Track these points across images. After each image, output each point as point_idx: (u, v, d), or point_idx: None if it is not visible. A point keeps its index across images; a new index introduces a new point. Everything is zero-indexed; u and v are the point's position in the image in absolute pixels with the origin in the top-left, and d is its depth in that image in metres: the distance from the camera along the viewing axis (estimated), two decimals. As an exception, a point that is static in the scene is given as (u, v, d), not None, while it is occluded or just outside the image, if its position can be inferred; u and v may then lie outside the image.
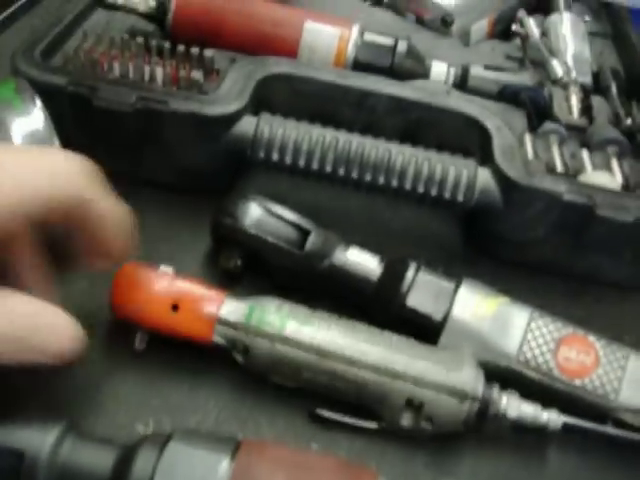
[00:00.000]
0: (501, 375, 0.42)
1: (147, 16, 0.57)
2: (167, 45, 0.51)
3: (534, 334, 0.42)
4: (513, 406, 0.40)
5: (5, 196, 0.30)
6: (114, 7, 0.57)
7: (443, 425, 0.39)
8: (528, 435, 0.41)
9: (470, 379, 0.39)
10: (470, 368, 0.40)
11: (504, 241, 0.50)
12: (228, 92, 0.48)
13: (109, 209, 0.33)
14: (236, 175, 0.50)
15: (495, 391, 0.40)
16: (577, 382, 0.42)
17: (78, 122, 0.46)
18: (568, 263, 0.50)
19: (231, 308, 0.40)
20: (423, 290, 0.43)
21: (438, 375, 0.39)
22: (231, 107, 0.47)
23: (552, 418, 0.40)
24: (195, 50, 0.51)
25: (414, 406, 0.39)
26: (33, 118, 0.43)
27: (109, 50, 0.51)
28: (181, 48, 0.51)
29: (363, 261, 0.44)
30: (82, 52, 0.51)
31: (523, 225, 0.49)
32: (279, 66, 0.51)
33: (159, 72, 0.49)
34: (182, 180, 0.50)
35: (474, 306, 0.43)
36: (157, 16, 0.56)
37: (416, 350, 0.40)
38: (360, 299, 0.44)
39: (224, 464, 0.32)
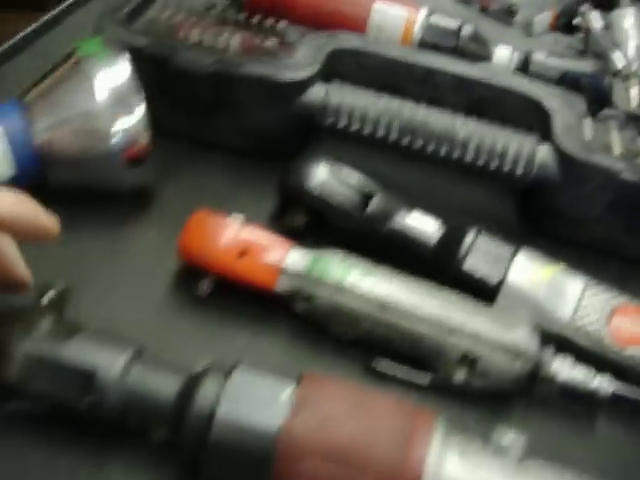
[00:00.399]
0: (553, 341, 0.42)
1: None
2: (242, 16, 0.53)
3: (588, 302, 0.43)
4: (564, 369, 0.41)
5: None
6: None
7: (495, 382, 0.40)
8: (577, 403, 0.41)
9: (524, 338, 0.40)
10: (525, 328, 0.41)
11: (559, 218, 0.51)
12: (300, 60, 0.50)
13: None
14: (304, 141, 0.52)
15: (548, 353, 0.41)
16: (629, 351, 0.42)
17: (156, 84, 0.49)
18: (622, 243, 0.50)
19: (295, 258, 0.42)
20: (481, 254, 0.44)
21: (494, 332, 0.40)
22: (303, 73, 0.49)
23: (602, 385, 0.41)
24: (269, 22, 0.53)
25: (468, 361, 0.40)
26: (119, 72, 0.46)
27: (187, 19, 0.53)
28: (255, 20, 0.53)
29: (423, 225, 0.46)
30: (162, 19, 0.53)
31: (578, 202, 0.50)
32: (349, 41, 0.53)
33: (234, 40, 0.51)
34: (251, 144, 0.52)
35: (531, 272, 0.44)
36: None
37: (473, 307, 0.42)
38: (418, 262, 0.45)
39: (287, 391, 0.33)
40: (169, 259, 0.45)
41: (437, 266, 0.45)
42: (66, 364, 0.35)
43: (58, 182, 0.47)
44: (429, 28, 0.57)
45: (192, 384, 0.34)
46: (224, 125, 0.51)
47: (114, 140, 0.46)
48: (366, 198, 0.46)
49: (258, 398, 0.33)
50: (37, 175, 0.47)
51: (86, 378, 0.35)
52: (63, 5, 0.67)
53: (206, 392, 0.34)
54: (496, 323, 0.41)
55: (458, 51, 0.57)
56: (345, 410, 0.33)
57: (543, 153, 0.49)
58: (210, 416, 0.33)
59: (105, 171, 0.47)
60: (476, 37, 0.57)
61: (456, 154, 0.48)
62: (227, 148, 0.52)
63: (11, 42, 0.62)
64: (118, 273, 0.46)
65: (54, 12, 0.66)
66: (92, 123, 0.46)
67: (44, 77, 0.48)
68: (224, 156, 0.51)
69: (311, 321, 0.42)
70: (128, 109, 0.46)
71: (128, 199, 0.50)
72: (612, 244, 0.50)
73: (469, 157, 0.48)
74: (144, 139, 0.46)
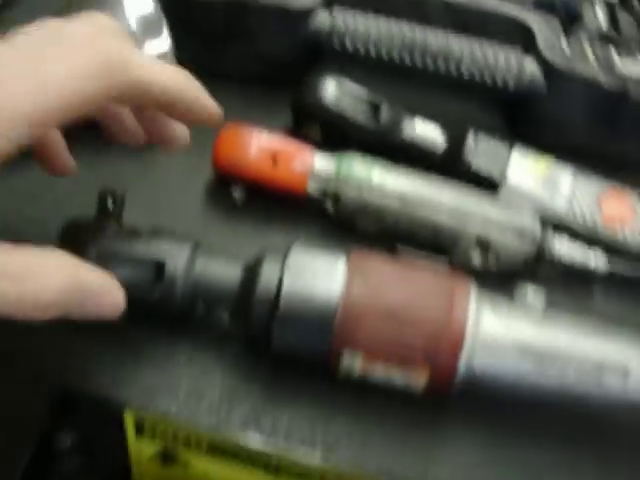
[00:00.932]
0: (552, 227, 0.48)
1: None
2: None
3: (579, 188, 0.48)
4: (565, 250, 0.46)
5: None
6: None
7: (506, 263, 0.45)
8: (576, 279, 0.47)
9: (530, 221, 0.45)
10: (529, 213, 0.46)
11: (543, 125, 0.56)
12: None
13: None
14: (312, 66, 0.55)
15: (549, 236, 0.46)
16: (619, 231, 0.48)
17: (171, 13, 0.52)
18: (602, 147, 0.56)
19: (322, 161, 0.46)
20: (482, 154, 0.49)
21: (503, 216, 0.45)
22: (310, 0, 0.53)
23: (599, 263, 0.46)
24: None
25: (483, 245, 0.45)
26: (145, 2, 0.49)
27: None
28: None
29: (429, 132, 0.51)
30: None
31: (561, 110, 0.55)
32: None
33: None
34: (263, 71, 0.56)
35: (526, 165, 0.49)
36: None
37: (483, 198, 0.46)
38: (427, 166, 0.50)
39: (342, 262, 0.38)
40: (200, 174, 0.49)
41: (445, 168, 0.49)
42: (138, 258, 0.39)
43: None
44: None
45: (253, 266, 0.39)
46: (236, 53, 0.55)
47: None
48: (375, 108, 0.50)
49: (317, 270, 0.38)
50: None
51: (157, 269, 0.39)
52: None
53: (270, 269, 0.38)
54: (503, 210, 0.46)
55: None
56: (393, 277, 0.38)
57: (530, 66, 0.53)
58: (277, 289, 0.37)
59: None
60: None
61: (453, 70, 0.53)
62: (240, 76, 0.55)
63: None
64: (154, 188, 0.49)
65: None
66: None
67: (67, 6, 0.50)
68: (237, 83, 0.55)
69: (340, 220, 0.46)
70: (155, 35, 0.48)
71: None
72: (593, 149, 0.56)
73: (464, 72, 0.53)
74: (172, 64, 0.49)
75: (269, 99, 0.55)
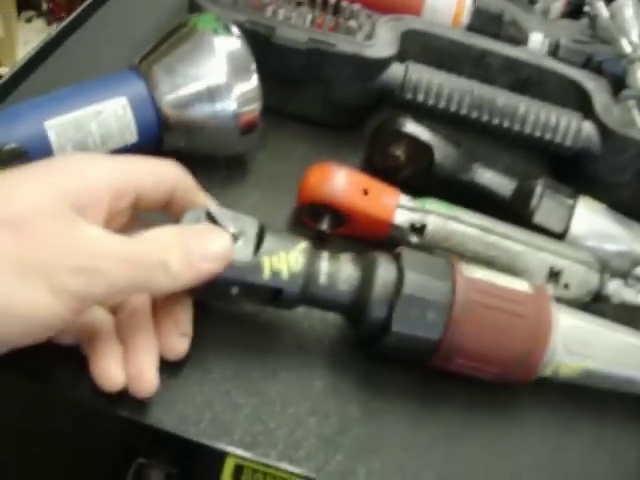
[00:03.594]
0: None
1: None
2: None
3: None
4: (619, 288, 0.53)
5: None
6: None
7: (574, 293, 0.52)
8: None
9: (593, 258, 0.53)
10: (590, 253, 0.54)
11: (593, 183, 0.61)
12: (383, 40, 0.57)
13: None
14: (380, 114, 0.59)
15: (607, 275, 0.53)
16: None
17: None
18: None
19: (405, 198, 0.54)
20: (548, 206, 0.55)
21: (571, 251, 0.53)
22: (386, 52, 0.57)
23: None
24: (345, 3, 0.59)
25: (554, 274, 0.52)
26: (234, 41, 0.52)
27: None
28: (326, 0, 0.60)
29: (498, 179, 0.57)
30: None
31: (612, 169, 0.59)
32: (417, 23, 0.61)
33: (319, 19, 0.58)
34: (333, 116, 0.63)
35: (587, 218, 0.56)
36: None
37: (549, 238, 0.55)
38: (494, 211, 0.56)
39: (447, 262, 0.46)
40: (276, 216, 0.55)
41: (511, 215, 0.56)
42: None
43: (171, 148, 0.52)
44: (476, 12, 0.65)
45: (368, 265, 0.45)
46: (309, 98, 0.58)
47: (232, 106, 0.51)
48: (457, 145, 0.57)
49: (431, 267, 0.45)
50: (155, 141, 0.52)
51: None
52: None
53: (387, 266, 0.45)
54: (570, 246, 0.54)
55: (501, 35, 0.64)
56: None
57: (587, 127, 0.57)
58: (398, 283, 0.44)
59: (219, 137, 0.53)
60: (515, 22, 0.65)
61: (516, 127, 0.57)
62: (309, 119, 0.58)
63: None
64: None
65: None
66: (212, 89, 0.53)
67: (158, 45, 0.52)
68: (307, 126, 0.59)
69: (423, 249, 0.52)
70: (244, 77, 0.52)
71: (225, 163, 0.58)
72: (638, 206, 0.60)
73: (525, 129, 0.57)
74: (258, 107, 0.52)
75: (339, 143, 0.59)
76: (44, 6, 2.41)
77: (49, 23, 2.40)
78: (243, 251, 0.42)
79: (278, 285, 0.43)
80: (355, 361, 0.48)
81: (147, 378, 0.40)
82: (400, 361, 0.47)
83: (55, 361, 0.42)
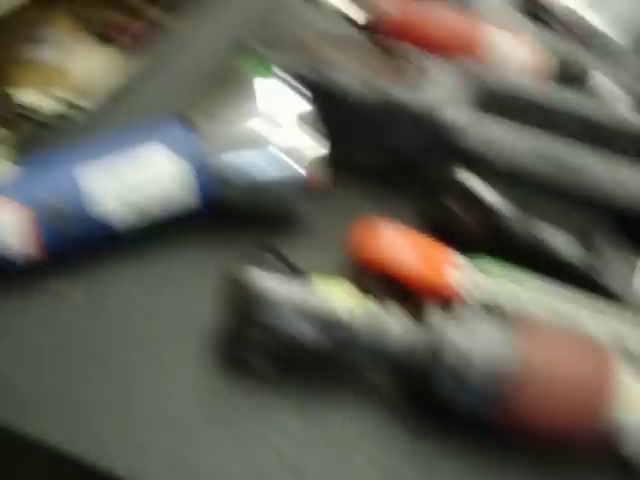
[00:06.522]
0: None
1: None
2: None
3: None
4: None
5: None
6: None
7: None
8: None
9: None
10: None
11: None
12: (445, 89, 0.58)
13: None
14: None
15: None
16: None
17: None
18: None
19: (461, 258, 0.51)
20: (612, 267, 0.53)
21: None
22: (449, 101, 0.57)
23: None
24: (406, 50, 0.58)
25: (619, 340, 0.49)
26: (304, 104, 0.52)
27: (328, 45, 0.58)
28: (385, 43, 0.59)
29: (563, 241, 0.54)
30: (304, 44, 0.58)
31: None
32: (482, 71, 0.60)
33: (377, 65, 0.56)
34: (389, 167, 0.59)
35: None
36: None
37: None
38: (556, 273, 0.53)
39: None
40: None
41: (574, 277, 0.53)
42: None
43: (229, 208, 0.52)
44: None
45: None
46: (364, 148, 0.57)
47: (302, 172, 0.51)
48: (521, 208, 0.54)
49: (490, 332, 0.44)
50: (214, 202, 0.51)
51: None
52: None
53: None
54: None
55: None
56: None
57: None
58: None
59: (280, 197, 0.53)
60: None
61: (584, 183, 0.54)
62: (364, 169, 0.59)
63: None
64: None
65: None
66: (283, 152, 0.51)
67: (208, 97, 0.51)
68: (361, 177, 0.59)
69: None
70: (310, 137, 0.51)
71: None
72: None
73: (595, 187, 0.54)
74: (323, 171, 0.52)
75: (397, 195, 0.59)
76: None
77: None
78: None
79: None
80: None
81: None
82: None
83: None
